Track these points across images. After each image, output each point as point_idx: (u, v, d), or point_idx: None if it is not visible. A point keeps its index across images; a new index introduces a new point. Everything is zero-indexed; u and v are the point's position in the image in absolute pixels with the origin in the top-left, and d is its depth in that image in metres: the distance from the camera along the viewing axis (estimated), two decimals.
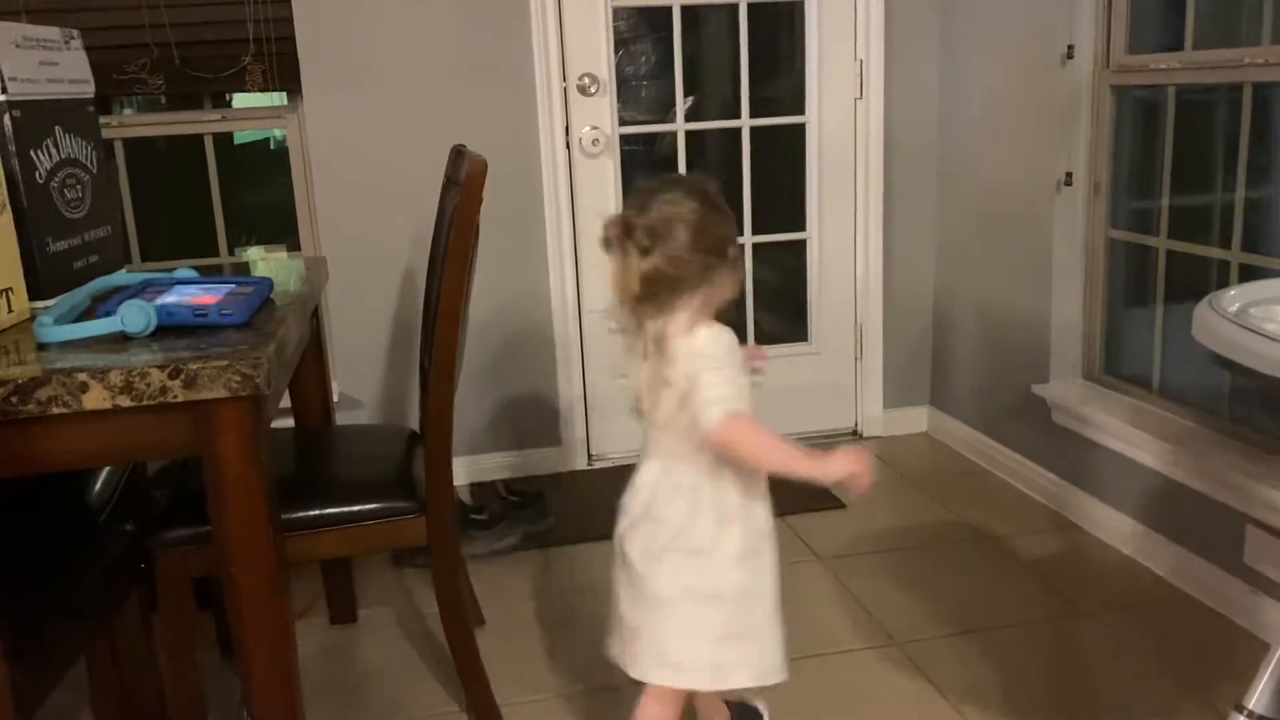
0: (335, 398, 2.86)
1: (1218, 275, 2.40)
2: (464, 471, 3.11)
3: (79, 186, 1.76)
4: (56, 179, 1.69)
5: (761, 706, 1.86)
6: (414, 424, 2.28)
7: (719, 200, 1.47)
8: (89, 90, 1.83)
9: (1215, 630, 2.20)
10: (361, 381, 3.10)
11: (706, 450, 1.46)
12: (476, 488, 3.10)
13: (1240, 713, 1.31)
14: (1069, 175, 2.70)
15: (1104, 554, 2.57)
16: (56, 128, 1.70)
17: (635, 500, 1.54)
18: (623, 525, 1.56)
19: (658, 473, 1.52)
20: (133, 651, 1.78)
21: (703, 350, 1.44)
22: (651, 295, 1.43)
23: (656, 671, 1.55)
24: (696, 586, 1.50)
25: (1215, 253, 2.40)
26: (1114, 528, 2.59)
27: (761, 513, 1.54)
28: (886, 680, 2.07)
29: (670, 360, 1.44)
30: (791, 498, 2.94)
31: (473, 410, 3.09)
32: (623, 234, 1.43)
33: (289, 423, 2.27)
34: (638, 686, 1.59)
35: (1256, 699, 1.30)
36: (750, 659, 1.54)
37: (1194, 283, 2.47)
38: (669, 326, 1.44)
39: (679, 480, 1.50)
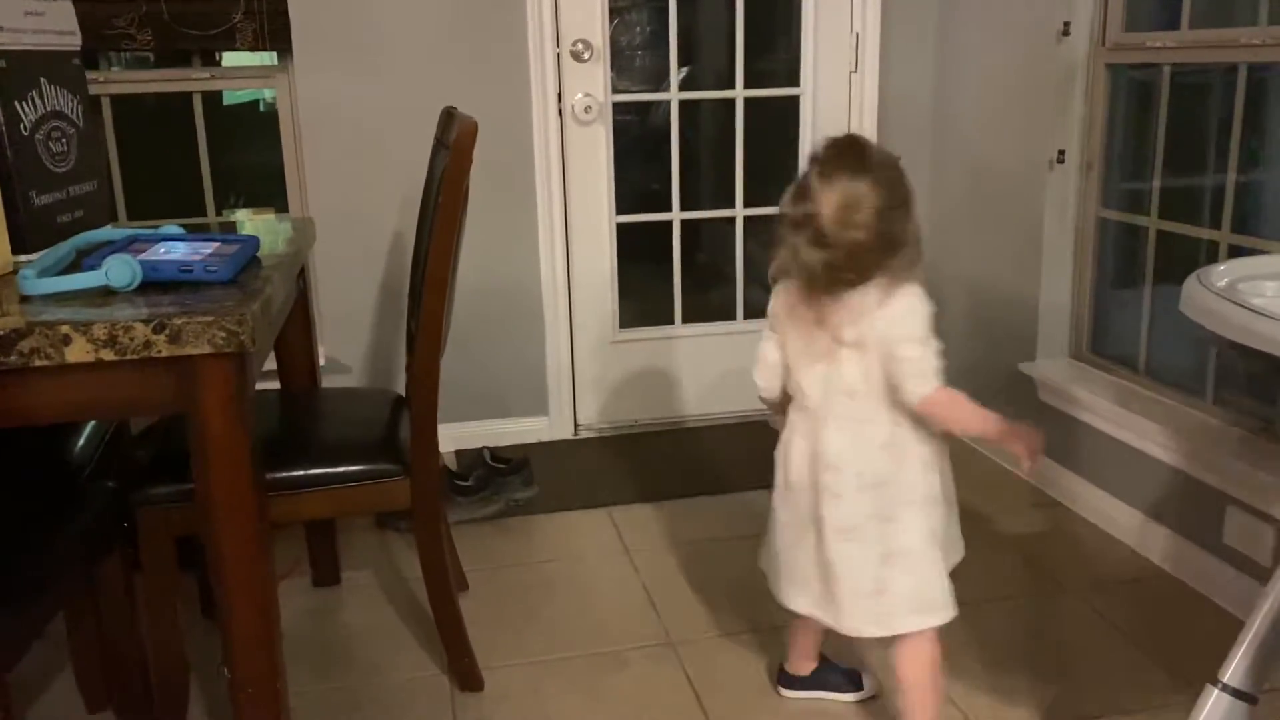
0: (322, 361, 2.85)
1: (1207, 256, 2.40)
2: (450, 438, 3.10)
3: (64, 140, 1.74)
4: (41, 131, 1.67)
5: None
6: (401, 389, 2.27)
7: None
8: (75, 42, 1.81)
9: (1195, 608, 2.22)
10: (349, 346, 3.09)
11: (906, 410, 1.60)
12: (462, 454, 3.10)
13: (1216, 686, 1.32)
14: (1061, 153, 2.70)
15: (1087, 532, 2.58)
16: (42, 79, 1.68)
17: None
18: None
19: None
20: (114, 609, 1.78)
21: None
22: None
23: (910, 619, 1.65)
24: (936, 531, 1.65)
25: (1205, 233, 2.40)
26: (1097, 506, 2.61)
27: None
28: (869, 653, 2.08)
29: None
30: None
31: (460, 377, 3.08)
32: None
33: (275, 385, 2.26)
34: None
35: (1231, 673, 1.32)
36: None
37: (1183, 263, 2.47)
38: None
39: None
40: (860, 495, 1.61)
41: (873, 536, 1.62)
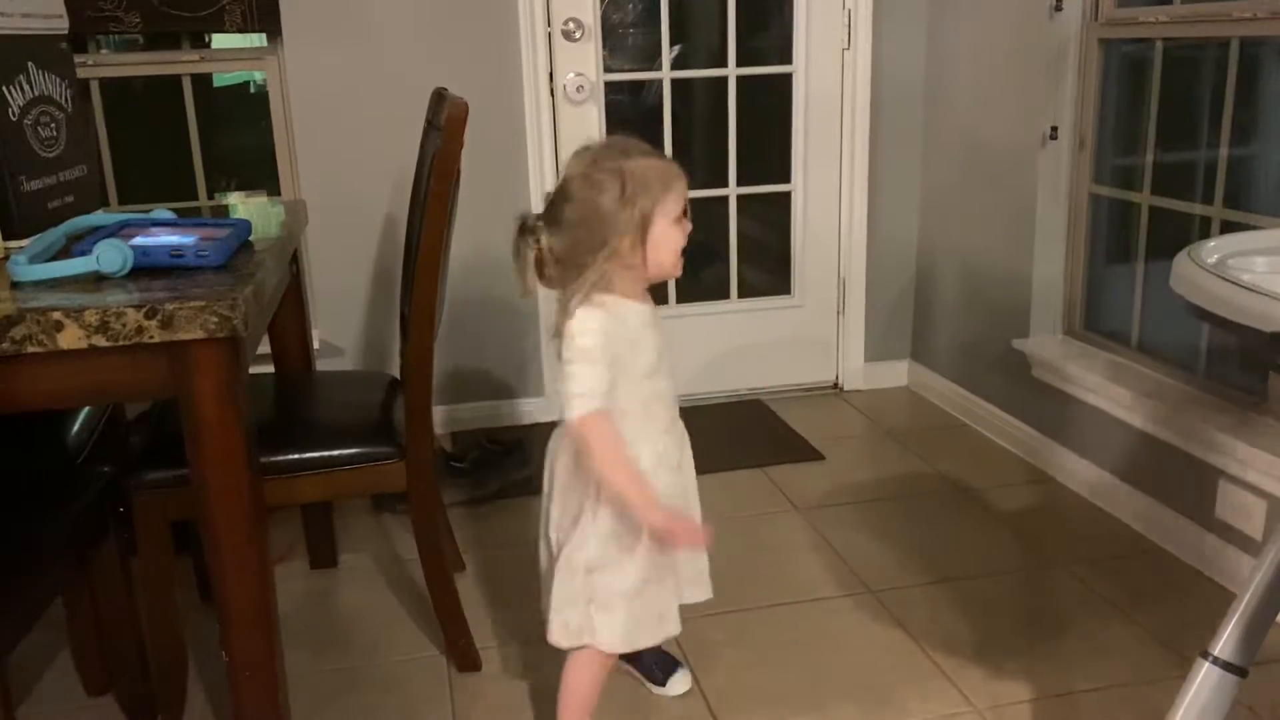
0: (316, 344, 2.85)
1: (1199, 232, 2.40)
2: (445, 420, 3.11)
3: (53, 125, 1.73)
4: (29, 117, 1.66)
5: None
6: (396, 371, 2.27)
7: (610, 158, 1.47)
8: (62, 26, 1.80)
9: (1186, 582, 2.24)
10: (343, 328, 3.09)
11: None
12: (458, 436, 3.10)
13: (1206, 659, 1.33)
14: (1054, 129, 2.69)
15: (1079, 507, 2.60)
16: (29, 64, 1.67)
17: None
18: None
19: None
20: (111, 594, 1.79)
21: (571, 337, 1.46)
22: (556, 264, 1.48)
23: None
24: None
25: (1198, 209, 2.40)
26: (1090, 481, 2.62)
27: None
28: (861, 628, 2.10)
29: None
30: (770, 449, 2.96)
31: (455, 359, 3.09)
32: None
33: (269, 369, 2.26)
34: None
35: (1222, 646, 1.32)
36: None
37: (1175, 239, 2.48)
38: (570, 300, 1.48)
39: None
40: None
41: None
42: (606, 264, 1.46)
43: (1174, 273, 1.21)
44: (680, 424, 1.65)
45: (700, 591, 1.71)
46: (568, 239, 1.47)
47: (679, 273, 1.55)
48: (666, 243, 1.49)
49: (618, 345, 1.49)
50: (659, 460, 1.57)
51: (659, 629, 1.65)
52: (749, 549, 2.40)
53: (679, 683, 1.92)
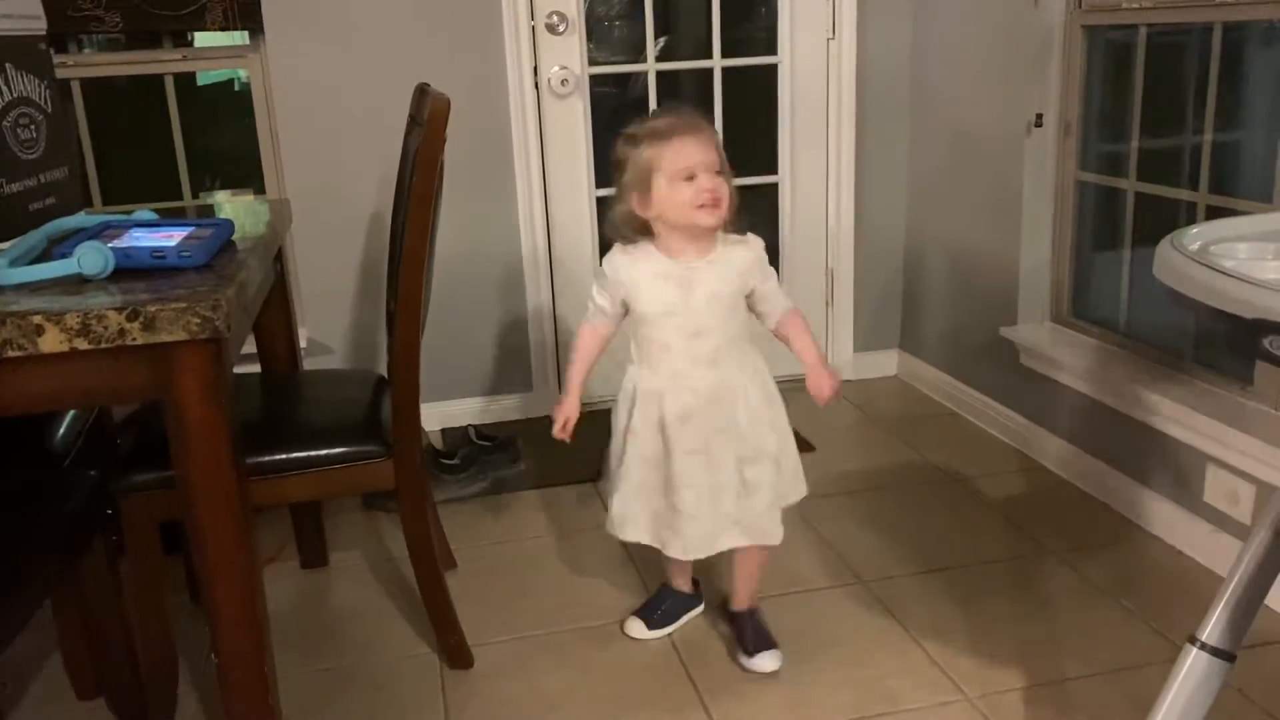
0: (304, 343, 2.84)
1: (1185, 217, 2.41)
2: (435, 416, 3.10)
3: (33, 126, 1.72)
4: (8, 119, 1.65)
5: None
6: (384, 369, 2.27)
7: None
8: (41, 27, 1.79)
9: (1175, 567, 2.24)
10: (331, 327, 3.08)
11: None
12: (447, 433, 3.10)
13: (1194, 644, 1.33)
14: (1039, 117, 2.69)
15: (1068, 493, 2.60)
16: (7, 65, 1.66)
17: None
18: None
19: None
20: (100, 598, 1.78)
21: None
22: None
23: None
24: None
25: (1184, 195, 2.40)
26: (1079, 468, 2.62)
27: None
28: (853, 618, 2.10)
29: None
30: None
31: (444, 355, 3.07)
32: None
33: (256, 369, 2.25)
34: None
35: (1209, 631, 1.33)
36: None
37: (1162, 225, 2.48)
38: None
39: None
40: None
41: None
42: (635, 215, 1.73)
43: (1157, 260, 1.21)
44: (707, 360, 1.89)
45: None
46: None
47: (706, 223, 1.70)
48: (669, 198, 1.68)
49: (620, 284, 1.78)
50: (658, 387, 1.86)
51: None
52: None
53: (769, 660, 1.94)
